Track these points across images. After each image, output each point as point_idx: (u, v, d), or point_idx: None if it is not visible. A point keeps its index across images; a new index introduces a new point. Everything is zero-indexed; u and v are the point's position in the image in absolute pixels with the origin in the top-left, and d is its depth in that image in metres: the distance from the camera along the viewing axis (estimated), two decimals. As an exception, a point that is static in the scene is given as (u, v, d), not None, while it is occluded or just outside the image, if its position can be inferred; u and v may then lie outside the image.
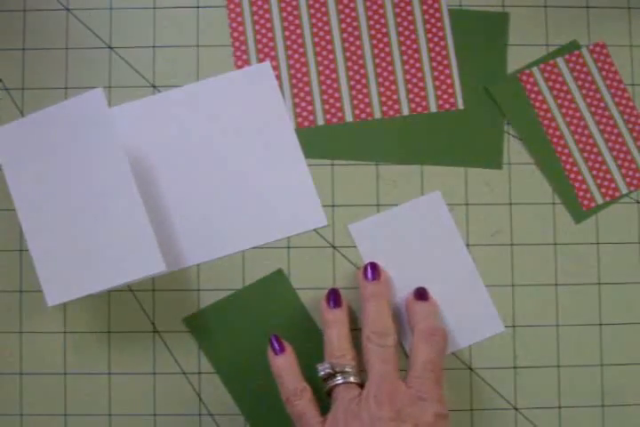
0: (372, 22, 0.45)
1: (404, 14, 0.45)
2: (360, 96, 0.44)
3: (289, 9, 0.45)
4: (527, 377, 0.43)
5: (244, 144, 0.44)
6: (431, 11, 0.45)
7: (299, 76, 0.44)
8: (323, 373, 0.39)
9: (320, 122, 0.44)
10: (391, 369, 0.38)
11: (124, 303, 0.43)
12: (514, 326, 0.43)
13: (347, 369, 0.38)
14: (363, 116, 0.44)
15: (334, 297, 0.41)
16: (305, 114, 0.44)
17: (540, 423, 0.43)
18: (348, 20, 0.45)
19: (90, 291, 0.37)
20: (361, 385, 0.38)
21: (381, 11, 0.45)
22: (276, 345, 0.40)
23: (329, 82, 0.44)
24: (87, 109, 0.39)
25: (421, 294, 0.41)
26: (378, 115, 0.44)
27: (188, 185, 0.43)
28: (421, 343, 0.39)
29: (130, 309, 0.43)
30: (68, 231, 0.38)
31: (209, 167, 0.44)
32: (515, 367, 0.43)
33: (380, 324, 0.39)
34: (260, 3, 0.45)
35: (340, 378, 0.38)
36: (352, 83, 0.44)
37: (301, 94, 0.44)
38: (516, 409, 0.43)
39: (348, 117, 0.44)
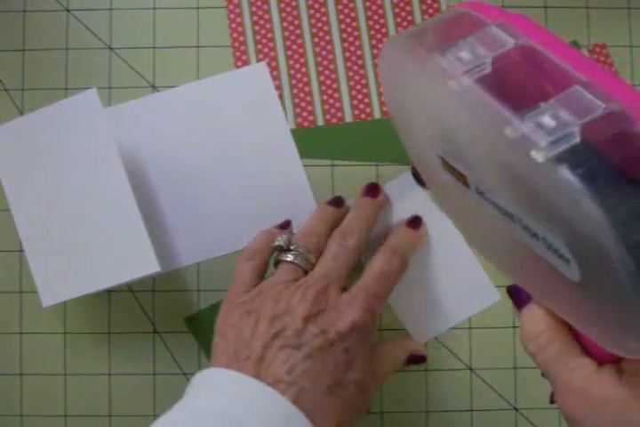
0: (371, 22, 0.45)
1: (403, 14, 0.45)
2: (360, 96, 0.44)
3: (288, 9, 0.45)
4: (527, 377, 0.43)
5: (239, 144, 0.44)
6: (431, 11, 0.45)
7: (298, 76, 0.44)
8: (277, 243, 0.38)
9: (320, 122, 0.44)
10: (337, 269, 0.37)
11: (124, 304, 0.43)
12: (514, 327, 0.43)
13: (301, 251, 0.38)
14: (362, 116, 0.44)
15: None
16: (304, 114, 0.44)
17: (539, 423, 0.43)
18: (348, 20, 0.45)
19: (84, 291, 0.37)
20: (306, 273, 0.38)
21: (381, 11, 0.45)
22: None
23: (329, 82, 0.44)
24: (82, 110, 0.39)
25: (414, 223, 0.42)
26: (377, 115, 0.44)
27: (184, 184, 0.43)
28: (378, 258, 0.38)
29: (130, 309, 0.43)
30: (63, 231, 0.38)
31: (205, 167, 0.44)
32: (515, 367, 0.43)
33: (348, 225, 0.39)
34: (259, 3, 0.45)
35: (290, 256, 0.38)
36: (352, 83, 0.44)
37: (301, 94, 0.44)
38: (516, 409, 0.43)
39: (348, 117, 0.44)
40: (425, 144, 0.32)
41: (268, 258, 0.39)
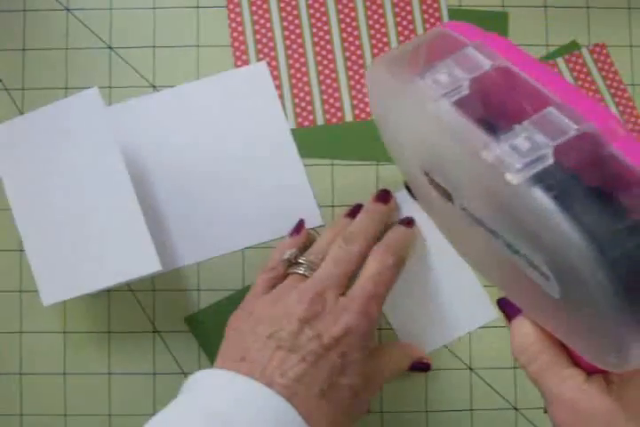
0: (371, 22, 0.45)
1: (403, 14, 0.45)
2: (360, 96, 0.44)
3: (288, 9, 0.45)
4: (527, 377, 0.43)
5: (240, 144, 0.44)
6: (431, 10, 0.45)
7: (298, 76, 0.44)
8: (285, 257, 0.39)
9: (320, 122, 0.44)
10: (337, 273, 0.37)
11: (124, 303, 0.43)
12: (514, 326, 0.43)
13: (311, 264, 0.38)
14: (362, 116, 0.44)
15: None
16: (305, 114, 0.44)
17: (539, 423, 0.43)
18: (348, 19, 0.45)
19: (85, 290, 0.37)
20: None
21: (381, 11, 0.45)
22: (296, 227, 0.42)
23: (329, 82, 0.44)
24: (83, 109, 0.39)
25: (406, 221, 0.42)
26: (378, 115, 0.44)
27: (184, 184, 0.43)
28: (371, 258, 0.38)
29: (130, 309, 0.43)
30: (64, 230, 0.38)
31: (205, 167, 0.44)
32: (515, 367, 0.43)
33: (353, 230, 0.39)
34: (259, 3, 0.45)
35: (300, 268, 0.38)
36: (352, 83, 0.44)
37: (301, 94, 0.44)
38: (516, 409, 0.43)
39: (348, 117, 0.44)
40: (411, 160, 0.33)
41: (284, 272, 0.39)
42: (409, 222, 0.42)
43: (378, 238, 0.40)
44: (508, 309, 0.32)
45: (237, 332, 0.36)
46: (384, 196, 0.42)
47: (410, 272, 0.42)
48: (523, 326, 0.31)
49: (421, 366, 0.41)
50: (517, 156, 0.22)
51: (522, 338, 0.31)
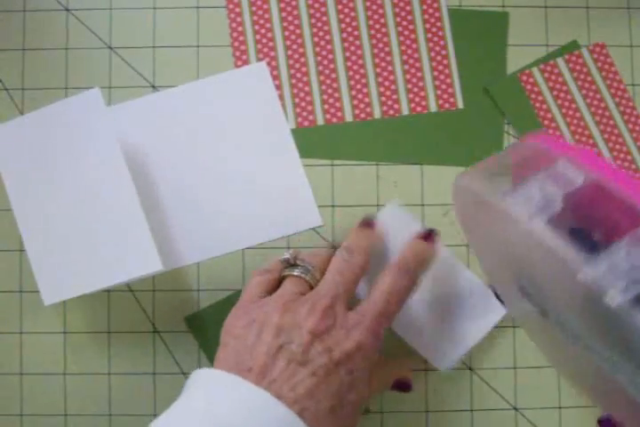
0: (371, 22, 0.45)
1: (403, 14, 0.45)
2: (360, 96, 0.44)
3: (288, 9, 0.45)
4: (527, 377, 0.43)
5: (239, 144, 0.44)
6: (431, 10, 0.45)
7: (298, 76, 0.44)
8: (283, 257, 0.38)
9: (320, 122, 0.44)
10: (343, 284, 0.36)
11: (124, 303, 0.43)
12: (514, 327, 0.43)
13: (308, 267, 0.37)
14: (363, 116, 0.44)
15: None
16: (305, 114, 0.44)
17: (539, 423, 0.43)
18: (348, 19, 0.45)
19: (87, 290, 0.37)
20: (312, 288, 0.37)
21: (381, 11, 0.45)
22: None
23: (329, 82, 0.44)
24: (85, 109, 0.39)
25: (426, 235, 0.39)
26: (378, 115, 0.44)
27: (184, 184, 0.43)
28: (387, 275, 0.37)
29: (130, 309, 0.43)
30: (65, 230, 0.38)
31: (206, 166, 0.44)
32: (515, 367, 0.43)
33: (355, 242, 0.38)
34: (259, 3, 0.45)
35: (296, 270, 0.37)
36: (352, 83, 0.44)
37: (301, 94, 0.44)
38: (516, 409, 0.43)
39: (348, 117, 0.44)
40: (503, 273, 0.31)
41: (279, 275, 0.38)
42: (429, 236, 0.40)
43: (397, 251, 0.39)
44: None
45: (240, 341, 0.34)
46: (368, 222, 0.40)
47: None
48: None
49: (402, 386, 0.40)
50: (616, 277, 0.21)
51: None
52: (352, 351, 0.34)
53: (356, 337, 0.34)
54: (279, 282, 0.38)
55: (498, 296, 0.40)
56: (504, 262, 0.31)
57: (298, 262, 0.38)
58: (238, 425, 0.30)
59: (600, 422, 0.31)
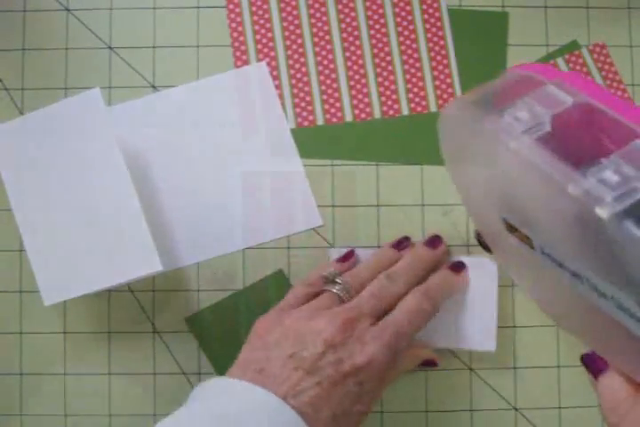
0: (371, 22, 0.45)
1: (403, 14, 0.45)
2: (360, 96, 0.44)
3: (288, 9, 0.45)
4: (527, 377, 0.43)
5: (239, 144, 0.44)
6: (431, 10, 0.45)
7: (298, 76, 0.44)
8: (324, 273, 0.39)
9: (320, 122, 0.44)
10: (373, 304, 0.36)
11: (124, 303, 0.43)
12: (514, 327, 0.43)
13: (347, 286, 0.38)
14: (362, 116, 0.44)
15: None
16: (305, 114, 0.44)
17: (539, 423, 0.43)
18: (348, 19, 0.45)
19: (87, 290, 0.37)
20: None
21: (381, 11, 0.45)
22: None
23: (329, 82, 0.44)
24: (85, 109, 0.39)
25: (456, 266, 0.41)
26: (378, 115, 0.44)
27: (184, 184, 0.43)
28: (411, 297, 0.37)
29: (130, 309, 0.43)
30: (65, 230, 0.38)
31: (205, 167, 0.44)
32: (515, 367, 0.43)
33: (397, 270, 0.39)
34: (259, 3, 0.45)
35: (336, 288, 0.38)
36: (352, 83, 0.44)
37: (301, 94, 0.44)
38: (516, 409, 0.43)
39: (348, 117, 0.44)
40: (487, 208, 0.32)
41: (320, 290, 0.39)
42: (457, 268, 0.41)
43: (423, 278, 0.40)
44: (594, 364, 0.30)
45: (262, 341, 0.35)
46: (434, 241, 0.41)
47: None
48: (613, 382, 0.29)
49: (429, 363, 0.41)
50: (607, 189, 0.21)
51: (612, 395, 0.29)
52: (362, 365, 0.34)
53: (369, 352, 0.34)
54: (317, 295, 0.39)
55: (483, 243, 0.40)
56: (489, 196, 0.31)
57: (337, 280, 0.39)
58: (242, 422, 0.30)
59: (584, 358, 0.31)
